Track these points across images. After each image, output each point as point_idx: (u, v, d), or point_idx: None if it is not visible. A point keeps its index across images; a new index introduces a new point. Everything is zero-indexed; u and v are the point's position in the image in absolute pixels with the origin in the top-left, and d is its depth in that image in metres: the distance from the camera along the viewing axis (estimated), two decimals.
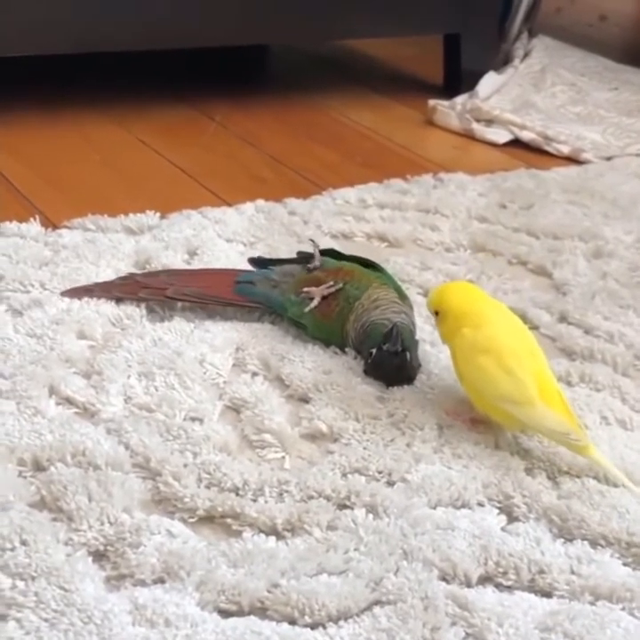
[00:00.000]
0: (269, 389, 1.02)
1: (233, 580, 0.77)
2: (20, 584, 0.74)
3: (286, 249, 1.30)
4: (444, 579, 0.80)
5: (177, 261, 1.24)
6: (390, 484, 0.89)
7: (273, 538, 0.82)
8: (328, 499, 0.86)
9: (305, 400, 1.01)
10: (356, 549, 0.81)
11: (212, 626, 0.73)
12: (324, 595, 0.76)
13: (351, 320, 1.07)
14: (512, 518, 0.88)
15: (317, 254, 1.15)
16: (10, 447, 0.88)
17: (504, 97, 2.02)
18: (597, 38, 2.58)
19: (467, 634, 0.75)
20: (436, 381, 1.04)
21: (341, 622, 0.75)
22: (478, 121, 1.88)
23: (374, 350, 1.02)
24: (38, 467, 0.87)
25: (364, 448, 0.93)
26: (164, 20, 1.72)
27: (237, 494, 0.86)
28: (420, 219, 1.44)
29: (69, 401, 0.97)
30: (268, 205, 1.43)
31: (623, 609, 0.79)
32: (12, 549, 0.77)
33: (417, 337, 1.06)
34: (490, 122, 1.89)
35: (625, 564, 0.84)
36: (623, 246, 1.41)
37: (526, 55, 2.26)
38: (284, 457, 0.93)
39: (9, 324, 1.07)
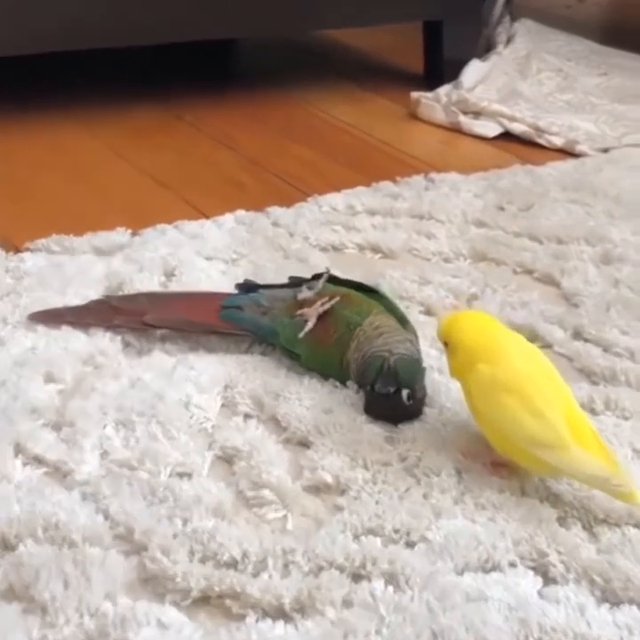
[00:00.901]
0: (264, 434, 0.91)
1: None
2: None
3: (272, 266, 1.19)
4: None
5: (153, 284, 1.13)
6: (409, 545, 0.79)
7: (281, 622, 0.71)
8: (341, 569, 0.75)
9: (305, 445, 0.90)
10: (377, 632, 0.70)
11: None
12: None
13: (352, 348, 0.96)
14: (548, 579, 0.77)
15: (324, 281, 1.04)
16: None
17: (490, 86, 1.91)
18: (577, 19, 2.48)
19: None
20: (448, 416, 0.94)
21: None
22: (465, 113, 1.77)
23: (368, 389, 0.92)
24: (6, 545, 0.75)
25: (377, 502, 0.83)
26: (128, 15, 1.60)
27: (236, 569, 0.75)
28: (414, 225, 1.33)
29: (38, 460, 0.85)
30: (250, 216, 1.32)
31: None
32: None
33: (424, 363, 0.95)
34: (477, 114, 1.78)
35: None
36: (633, 249, 1.31)
37: (509, 40, 2.15)
38: (285, 516, 0.82)
39: None
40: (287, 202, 1.38)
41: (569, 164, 1.61)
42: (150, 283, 1.12)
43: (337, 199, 1.38)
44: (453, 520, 0.81)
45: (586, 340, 1.10)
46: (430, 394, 0.95)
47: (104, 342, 1.01)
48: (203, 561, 0.75)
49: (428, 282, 1.19)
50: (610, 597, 0.76)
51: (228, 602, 0.72)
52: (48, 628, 0.68)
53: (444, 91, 1.84)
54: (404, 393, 0.91)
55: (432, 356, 1.01)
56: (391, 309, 1.01)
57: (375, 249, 1.27)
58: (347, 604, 0.73)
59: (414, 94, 1.82)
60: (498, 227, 1.34)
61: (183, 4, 1.64)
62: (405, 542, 0.79)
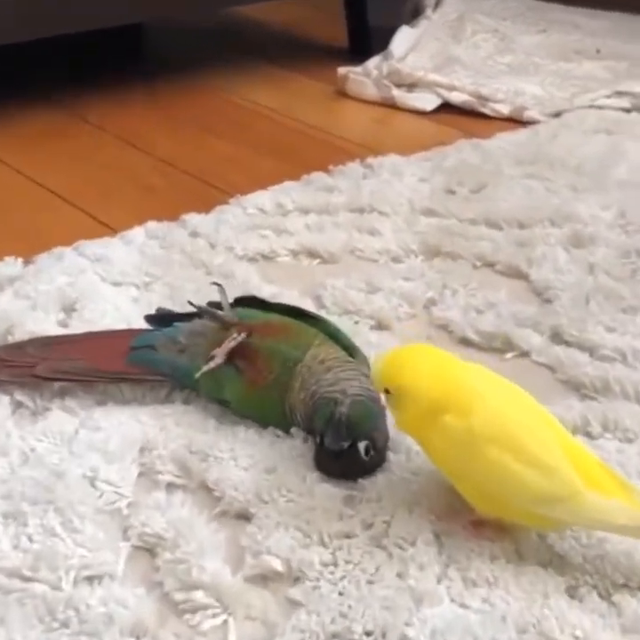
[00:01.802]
0: (193, 510, 0.72)
1: None
2: None
3: (192, 286, 1.01)
4: None
5: (49, 325, 0.93)
6: None
7: None
8: None
9: (245, 517, 0.72)
10: None
11: None
12: None
13: (296, 389, 0.78)
14: None
15: (225, 302, 0.86)
16: None
17: (422, 54, 1.74)
18: None
19: None
20: (418, 463, 0.76)
21: None
22: (399, 86, 1.60)
23: (317, 442, 0.75)
24: None
25: (340, 593, 0.65)
26: (11, 6, 1.39)
27: None
28: (355, 221, 1.15)
29: None
30: (163, 227, 1.13)
31: None
32: None
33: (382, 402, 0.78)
34: (412, 86, 1.61)
35: None
36: (604, 226, 1.14)
37: (438, 3, 1.97)
38: (226, 621, 0.64)
39: None
40: (206, 205, 1.20)
41: (520, 133, 1.44)
42: (46, 323, 0.93)
43: (263, 198, 1.20)
44: (439, 607, 0.64)
45: (567, 344, 0.93)
46: (393, 436, 0.78)
47: None
48: None
49: (377, 289, 1.01)
50: None
51: None
52: None
53: (373, 63, 1.66)
54: (362, 446, 0.73)
55: None
56: (334, 336, 0.83)
57: (312, 254, 1.09)
58: None
59: (341, 70, 1.64)
60: (450, 214, 1.17)
61: None
62: None
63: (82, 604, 0.63)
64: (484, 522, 0.70)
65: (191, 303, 0.86)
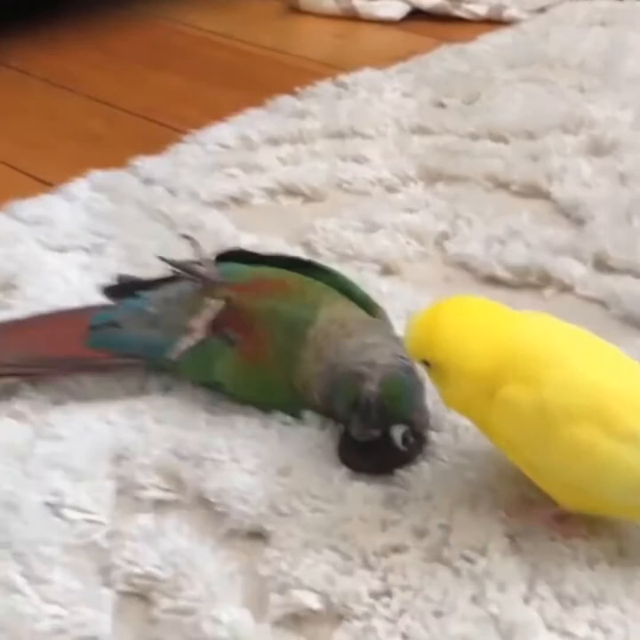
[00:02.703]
0: (192, 534, 0.56)
1: None
2: None
3: (155, 245, 0.83)
4: None
5: None
6: None
7: None
8: None
9: (260, 537, 0.56)
10: None
11: None
12: None
13: (308, 360, 0.62)
14: None
15: (202, 255, 0.68)
16: None
17: None
18: None
19: None
20: (469, 442, 0.60)
21: None
22: None
23: (341, 435, 0.59)
24: None
25: (404, 635, 0.49)
26: None
27: None
28: (336, 149, 0.98)
29: None
30: (110, 177, 0.95)
31: None
32: None
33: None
34: None
35: None
36: (627, 128, 0.98)
37: None
38: None
39: None
40: (158, 147, 1.02)
41: (504, 34, 1.28)
42: None
43: (224, 131, 1.02)
44: (536, 638, 0.48)
45: (615, 271, 0.77)
46: (433, 410, 0.61)
47: None
48: None
49: (377, 226, 0.84)
50: None
51: None
52: None
53: None
54: (398, 433, 0.57)
55: None
56: (347, 290, 0.66)
57: (292, 192, 0.92)
58: None
59: None
60: (445, 130, 1.00)
61: None
62: None
63: None
64: (569, 516, 0.54)
65: (162, 259, 0.69)
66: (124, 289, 0.71)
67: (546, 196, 0.89)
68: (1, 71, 1.31)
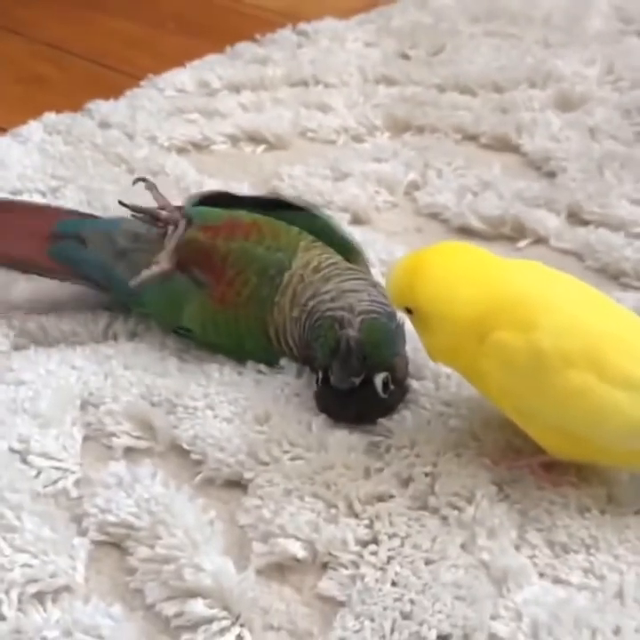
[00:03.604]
0: (168, 481, 0.53)
1: None
2: None
3: (113, 188, 0.80)
4: None
5: None
6: None
7: None
8: None
9: (238, 485, 0.54)
10: None
11: None
12: None
13: (284, 305, 0.59)
14: None
15: (161, 198, 0.65)
16: None
17: None
18: None
19: None
20: (452, 390, 0.58)
21: None
22: None
23: (317, 382, 0.56)
24: None
25: (394, 582, 0.47)
26: None
27: None
28: (299, 97, 0.95)
29: None
30: (65, 119, 0.91)
31: None
32: None
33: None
34: None
35: None
36: (594, 84, 0.97)
37: None
38: (240, 636, 0.46)
39: None
40: (113, 92, 0.98)
41: None
42: None
43: (183, 76, 0.99)
44: (529, 588, 0.47)
45: (591, 224, 0.76)
46: (413, 359, 0.59)
47: None
48: None
49: (345, 174, 0.82)
50: None
51: None
52: None
53: None
54: (379, 380, 0.55)
55: None
56: (325, 233, 0.63)
57: (255, 139, 0.89)
58: None
59: None
60: (411, 81, 0.97)
61: None
62: None
63: (36, 637, 0.44)
64: (557, 464, 0.53)
65: (123, 203, 0.65)
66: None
67: (515, 148, 0.88)
68: None
